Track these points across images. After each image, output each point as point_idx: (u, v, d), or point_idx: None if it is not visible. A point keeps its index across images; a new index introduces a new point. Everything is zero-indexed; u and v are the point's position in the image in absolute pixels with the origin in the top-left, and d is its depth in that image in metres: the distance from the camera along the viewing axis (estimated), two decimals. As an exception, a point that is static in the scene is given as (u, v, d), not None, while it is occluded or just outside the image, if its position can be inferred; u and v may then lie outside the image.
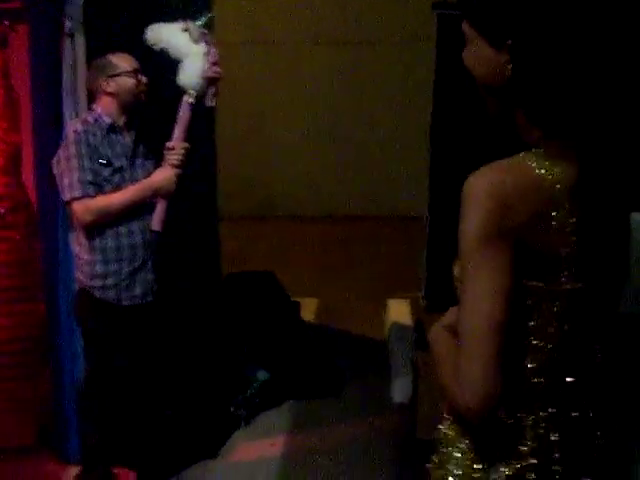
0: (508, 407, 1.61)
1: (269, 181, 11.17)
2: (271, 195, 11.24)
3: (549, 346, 1.61)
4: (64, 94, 4.16)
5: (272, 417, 4.94)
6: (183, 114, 3.82)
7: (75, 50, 4.12)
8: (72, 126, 3.75)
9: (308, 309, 6.68)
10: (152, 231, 3.81)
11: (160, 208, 3.80)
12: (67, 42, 4.10)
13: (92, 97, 3.86)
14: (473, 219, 1.52)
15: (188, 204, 4.87)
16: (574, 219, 1.57)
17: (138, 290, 3.80)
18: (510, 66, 1.57)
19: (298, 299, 6.30)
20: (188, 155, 3.85)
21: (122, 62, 3.79)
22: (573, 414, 1.64)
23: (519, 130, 1.64)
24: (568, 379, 1.62)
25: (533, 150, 1.60)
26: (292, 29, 10.93)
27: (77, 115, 4.11)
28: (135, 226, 3.77)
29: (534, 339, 1.61)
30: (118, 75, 3.76)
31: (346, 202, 10.98)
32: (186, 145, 3.84)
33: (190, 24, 3.82)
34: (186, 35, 3.80)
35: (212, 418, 4.67)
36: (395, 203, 10.45)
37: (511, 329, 1.53)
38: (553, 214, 1.56)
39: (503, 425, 1.62)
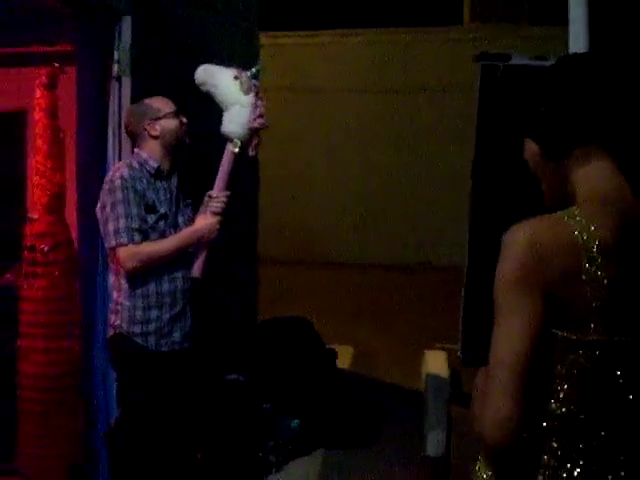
0: (530, 445, 1.70)
1: (309, 227, 11.20)
2: (310, 241, 11.26)
3: (573, 395, 1.70)
4: (109, 136, 4.22)
5: (303, 465, 4.91)
6: (226, 163, 3.83)
7: (121, 93, 4.18)
8: (118, 171, 3.72)
9: (344, 357, 6.63)
10: (192, 277, 3.82)
11: (201, 255, 3.81)
12: (114, 85, 4.17)
13: (134, 140, 3.88)
14: (509, 267, 1.67)
15: (228, 249, 4.90)
16: (606, 274, 1.67)
17: (177, 336, 3.78)
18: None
19: (334, 346, 6.26)
20: (230, 202, 3.86)
21: (163, 105, 3.80)
22: (596, 467, 1.71)
23: (562, 192, 1.81)
24: (595, 430, 1.71)
25: (572, 209, 1.72)
26: (337, 76, 11.03)
27: (121, 156, 4.14)
28: (176, 272, 3.76)
29: (559, 387, 1.71)
30: (161, 118, 3.77)
31: (385, 250, 10.97)
32: (228, 193, 3.85)
33: (242, 73, 3.82)
34: (237, 83, 3.81)
35: (242, 463, 4.64)
36: (434, 252, 10.43)
37: (538, 373, 1.65)
38: (585, 269, 1.66)
39: (524, 461, 1.71)
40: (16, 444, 4.26)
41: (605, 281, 1.67)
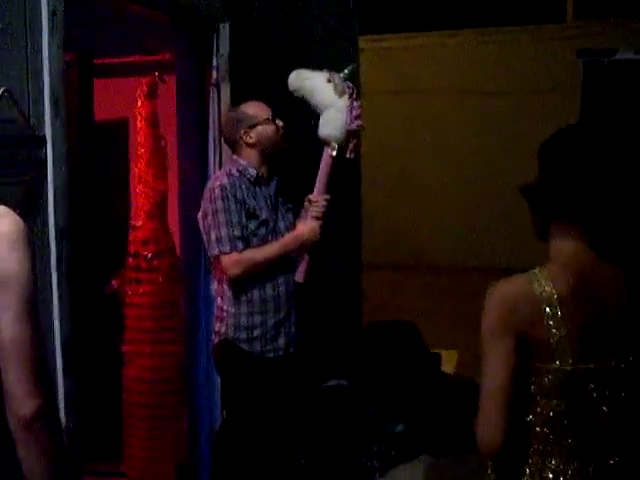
0: (517, 446, 2.17)
1: (414, 231, 11.11)
2: (416, 246, 11.17)
3: (550, 412, 2.16)
4: (210, 142, 4.26)
5: (407, 471, 4.84)
6: (325, 166, 3.81)
7: (221, 99, 4.21)
8: (218, 180, 3.73)
9: (448, 361, 6.55)
10: (295, 283, 3.82)
11: (304, 260, 3.80)
12: (213, 91, 4.21)
13: (232, 147, 3.90)
14: (488, 317, 2.14)
15: (332, 255, 4.89)
16: (562, 320, 2.13)
17: (282, 342, 3.78)
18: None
19: (438, 351, 6.19)
20: (332, 206, 3.85)
21: (258, 111, 3.80)
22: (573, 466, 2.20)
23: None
24: (569, 439, 2.18)
25: (536, 270, 2.19)
26: (439, 78, 10.92)
27: (221, 163, 4.17)
28: (279, 278, 3.76)
29: (537, 405, 2.17)
30: (257, 125, 3.77)
31: (493, 254, 10.79)
32: (328, 197, 3.83)
33: (335, 75, 3.80)
34: (330, 86, 3.79)
35: (346, 469, 4.62)
36: (542, 256, 10.21)
37: (518, 395, 2.12)
38: (546, 315, 2.13)
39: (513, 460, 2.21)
40: (123, 447, 4.34)
41: (561, 325, 2.12)
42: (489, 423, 2.10)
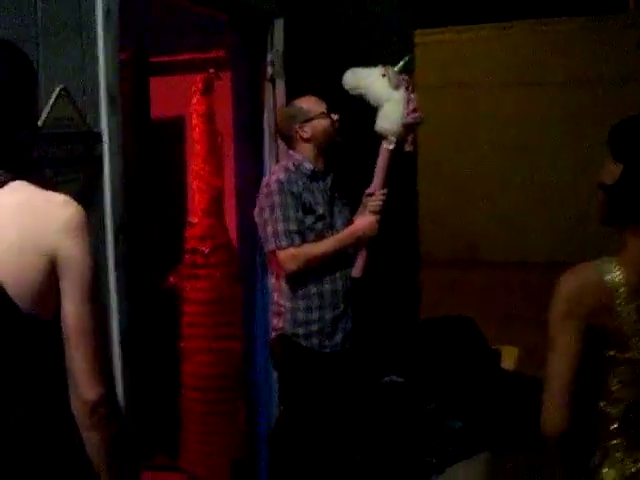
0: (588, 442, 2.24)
1: (471, 227, 11.03)
2: (473, 241, 11.09)
3: (623, 402, 2.18)
4: (265, 138, 4.27)
5: (465, 467, 4.80)
6: (382, 160, 3.79)
7: (276, 95, 4.21)
8: (274, 175, 3.73)
9: (508, 358, 6.48)
10: (353, 278, 3.81)
11: (361, 255, 3.79)
12: (268, 87, 4.21)
13: (287, 142, 3.90)
14: (557, 305, 2.16)
15: (389, 250, 4.86)
16: (633, 308, 2.13)
17: (339, 337, 3.77)
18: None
19: (498, 347, 6.13)
20: (389, 201, 3.82)
21: (312, 105, 3.79)
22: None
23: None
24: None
25: (608, 259, 2.19)
26: (494, 71, 10.82)
27: (277, 159, 4.17)
28: (337, 273, 3.75)
29: (613, 393, 2.18)
30: (311, 119, 3.76)
31: (552, 249, 10.67)
32: (385, 191, 3.81)
33: (389, 69, 3.78)
34: (385, 81, 3.77)
35: (403, 465, 4.60)
36: (600, 249, 10.06)
37: (591, 384, 2.17)
38: (618, 303, 2.13)
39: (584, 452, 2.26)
40: (180, 441, 4.37)
41: (635, 314, 2.12)
42: (552, 406, 2.15)
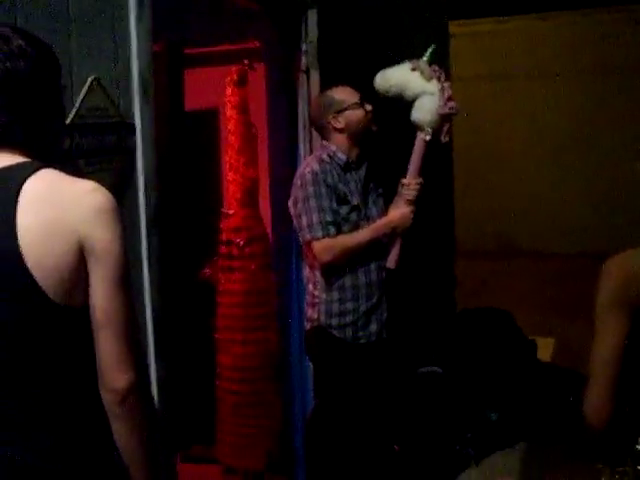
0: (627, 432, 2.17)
1: (508, 217, 10.95)
2: (510, 231, 11.01)
3: None
4: (300, 129, 4.26)
5: (502, 458, 4.78)
6: (418, 151, 3.77)
7: (310, 85, 4.20)
8: (309, 166, 3.72)
9: (545, 349, 6.44)
10: (387, 269, 3.79)
11: (396, 245, 3.77)
12: (302, 78, 4.20)
13: (321, 133, 3.88)
14: (603, 292, 2.12)
15: (425, 241, 4.84)
16: None
17: (374, 328, 3.77)
18: None
19: (535, 338, 6.08)
20: (424, 191, 3.80)
21: (346, 95, 3.77)
22: None
23: None
24: None
25: None
26: (531, 62, 10.72)
27: (312, 149, 4.16)
28: (372, 264, 3.74)
29: None
30: (345, 110, 3.75)
31: (587, 239, 10.57)
32: (421, 181, 3.79)
33: (419, 62, 3.75)
34: (417, 74, 3.74)
35: (441, 456, 4.58)
36: (637, 239, 9.96)
37: (632, 373, 2.10)
38: None
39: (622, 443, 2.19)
40: (216, 433, 4.38)
41: None
42: (596, 396, 2.13)
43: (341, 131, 3.75)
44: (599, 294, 2.14)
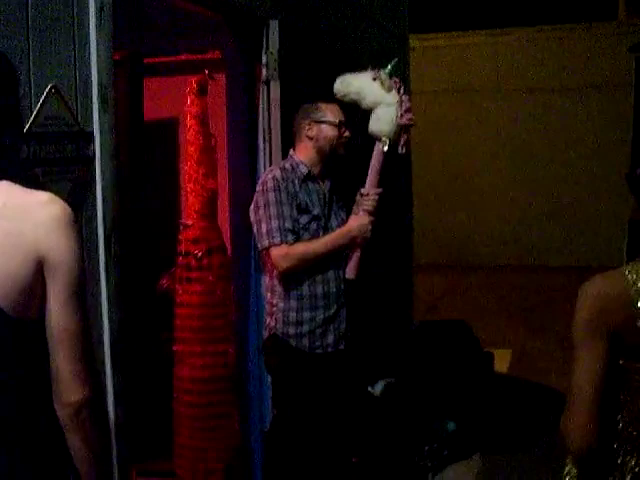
0: (606, 450, 2.16)
1: (466, 231, 11.04)
2: (468, 245, 11.10)
3: (638, 412, 2.14)
4: (259, 141, 4.25)
5: (459, 470, 4.80)
6: (376, 161, 3.79)
7: (270, 97, 4.19)
8: (270, 173, 3.74)
9: (501, 360, 6.48)
10: (346, 279, 3.78)
11: (355, 256, 3.77)
12: (263, 89, 4.19)
13: (294, 136, 3.88)
14: (581, 314, 2.13)
15: (383, 253, 4.85)
16: None
17: (331, 338, 3.77)
18: None
19: (491, 350, 6.13)
20: (383, 202, 3.81)
21: (329, 111, 3.80)
22: None
23: None
24: None
25: (630, 267, 2.14)
26: (490, 77, 10.85)
27: (272, 161, 4.16)
28: (330, 274, 3.75)
29: (629, 402, 2.15)
30: (322, 122, 3.78)
31: (545, 253, 10.70)
32: (379, 191, 3.80)
33: (380, 73, 3.78)
34: (377, 84, 3.77)
35: (399, 468, 4.58)
36: (594, 253, 10.08)
37: (608, 395, 2.11)
38: (638, 312, 2.08)
39: (602, 462, 2.18)
40: (173, 446, 4.33)
41: None
42: (579, 423, 2.10)
43: (309, 139, 3.78)
44: (576, 322, 2.14)
